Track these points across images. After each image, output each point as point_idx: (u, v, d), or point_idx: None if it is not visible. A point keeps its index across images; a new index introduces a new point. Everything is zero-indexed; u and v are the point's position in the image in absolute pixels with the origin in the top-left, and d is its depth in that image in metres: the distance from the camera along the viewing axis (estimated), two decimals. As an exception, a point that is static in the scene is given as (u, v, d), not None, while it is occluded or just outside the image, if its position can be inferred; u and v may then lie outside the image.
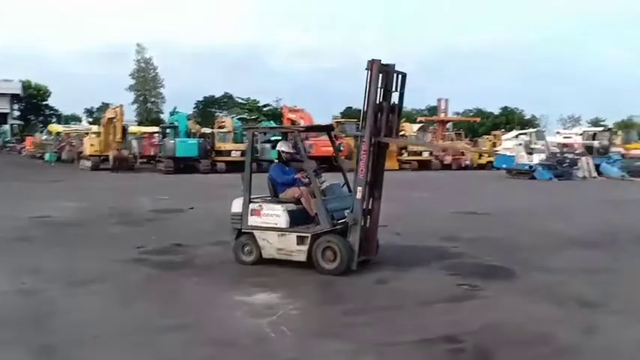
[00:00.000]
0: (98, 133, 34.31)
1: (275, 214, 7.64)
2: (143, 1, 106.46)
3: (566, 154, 29.74)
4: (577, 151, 30.58)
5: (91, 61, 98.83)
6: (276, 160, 8.43)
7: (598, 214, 14.41)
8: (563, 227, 11.61)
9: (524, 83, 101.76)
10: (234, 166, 30.89)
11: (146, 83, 70.10)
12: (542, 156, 28.92)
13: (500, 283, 7.12)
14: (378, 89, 7.28)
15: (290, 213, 7.62)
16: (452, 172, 34.20)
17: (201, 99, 74.22)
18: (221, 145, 31.80)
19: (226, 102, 73.98)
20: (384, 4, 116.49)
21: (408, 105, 70.72)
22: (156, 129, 38.58)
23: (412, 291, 6.72)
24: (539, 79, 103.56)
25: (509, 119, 67.63)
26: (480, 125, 61.13)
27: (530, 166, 28.19)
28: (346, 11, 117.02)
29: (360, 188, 7.28)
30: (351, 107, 74.13)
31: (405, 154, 34.78)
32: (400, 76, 7.49)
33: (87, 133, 38.86)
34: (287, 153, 8.30)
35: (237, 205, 7.99)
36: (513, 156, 29.48)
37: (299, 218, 7.67)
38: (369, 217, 7.59)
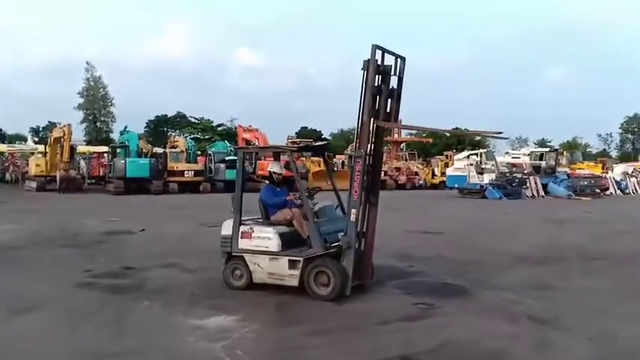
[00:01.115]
0: (44, 153, 33.34)
1: (266, 237, 7.36)
2: (93, 18, 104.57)
3: (515, 174, 30.64)
4: (525, 171, 31.56)
5: (38, 78, 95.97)
6: (267, 182, 8.14)
7: (546, 232, 14.80)
8: (513, 245, 11.86)
9: (475, 104, 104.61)
10: (188, 187, 30.58)
11: (96, 102, 68.54)
12: (493, 176, 29.75)
13: (455, 301, 7.18)
14: (376, 71, 6.99)
15: (282, 236, 7.34)
16: (406, 191, 34.66)
17: (153, 118, 73.18)
18: (174, 165, 31.41)
19: (179, 121, 73.09)
20: (339, 25, 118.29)
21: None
22: (105, 149, 37.83)
23: (369, 311, 6.70)
24: (487, 100, 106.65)
25: (461, 140, 69.21)
26: (433, 146, 62.32)
27: (481, 186, 28.90)
28: (301, 32, 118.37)
29: (354, 210, 7.04)
30: (306, 127, 74.65)
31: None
32: (399, 59, 7.29)
33: (32, 153, 37.74)
34: (278, 174, 8.05)
35: (227, 228, 7.68)
36: (465, 176, 30.18)
37: (291, 241, 7.39)
38: (363, 239, 7.40)
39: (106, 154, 35.11)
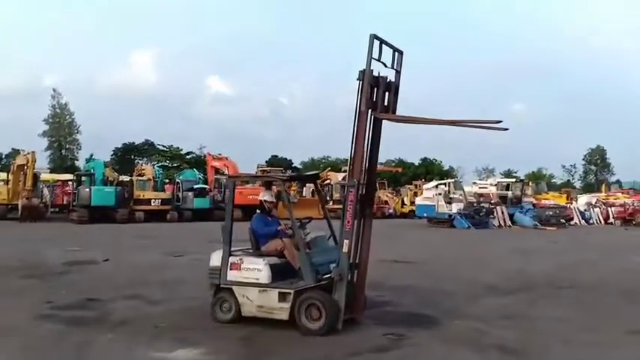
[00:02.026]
0: (6, 181, 32.57)
1: (256, 269, 7.12)
2: (59, 43, 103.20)
3: (482, 204, 31.05)
4: (492, 201, 32.00)
5: (0, 104, 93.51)
6: (258, 211, 7.94)
7: (514, 261, 14.93)
8: (482, 275, 11.93)
9: (442, 135, 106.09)
10: (154, 215, 30.08)
11: (61, 129, 67.48)
12: (461, 205, 30.07)
13: (425, 331, 7.15)
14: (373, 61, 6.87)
15: (272, 267, 7.12)
16: (376, 220, 34.56)
17: (120, 146, 72.22)
18: (140, 194, 30.91)
19: (147, 149, 72.30)
20: (311, 53, 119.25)
21: (332, 155, 72.03)
22: (70, 177, 37.12)
23: (339, 342, 6.59)
24: (455, 130, 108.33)
25: (429, 170, 70.18)
26: (402, 175, 63.01)
27: (450, 215, 29.18)
28: (271, 60, 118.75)
29: (346, 241, 6.89)
30: (276, 156, 74.54)
31: (331, 203, 35.09)
32: (397, 53, 7.23)
33: (-7, 181, 36.76)
34: (270, 202, 7.85)
35: (216, 259, 7.43)
36: (434, 205, 30.45)
37: (282, 273, 7.17)
38: (356, 271, 7.25)
39: (70, 182, 34.46)
